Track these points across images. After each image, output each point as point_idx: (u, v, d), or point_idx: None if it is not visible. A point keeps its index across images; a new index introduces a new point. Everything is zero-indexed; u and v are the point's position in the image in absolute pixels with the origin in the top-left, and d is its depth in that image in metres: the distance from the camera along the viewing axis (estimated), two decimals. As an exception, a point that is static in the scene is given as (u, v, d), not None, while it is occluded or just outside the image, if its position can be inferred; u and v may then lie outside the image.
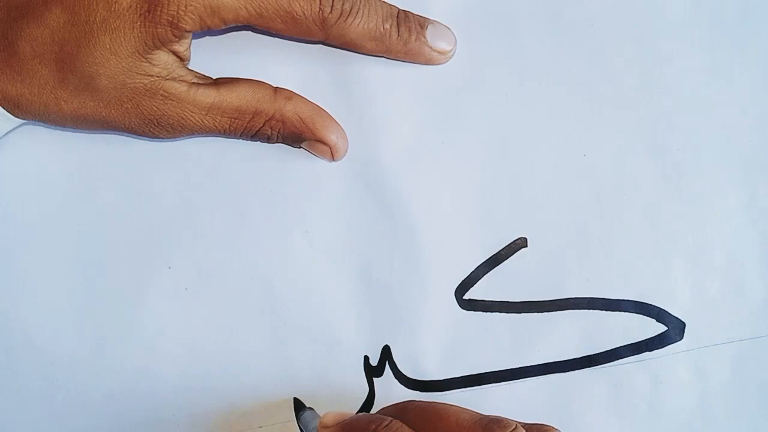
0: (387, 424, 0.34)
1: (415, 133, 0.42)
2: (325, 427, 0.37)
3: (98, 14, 0.37)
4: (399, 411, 0.36)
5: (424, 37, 0.40)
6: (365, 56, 0.41)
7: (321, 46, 0.42)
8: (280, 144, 0.42)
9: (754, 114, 0.41)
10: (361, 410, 0.43)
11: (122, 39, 0.37)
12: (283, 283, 0.43)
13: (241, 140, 0.42)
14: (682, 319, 0.42)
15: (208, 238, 0.43)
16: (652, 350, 0.42)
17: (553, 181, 0.42)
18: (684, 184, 0.41)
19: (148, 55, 0.38)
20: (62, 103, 0.38)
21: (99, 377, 0.43)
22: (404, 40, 0.39)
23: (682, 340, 0.42)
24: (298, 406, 0.43)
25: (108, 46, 0.37)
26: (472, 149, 0.42)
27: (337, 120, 0.42)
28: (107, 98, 0.38)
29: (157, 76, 0.38)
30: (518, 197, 0.42)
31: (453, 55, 0.41)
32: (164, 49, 0.38)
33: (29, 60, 0.37)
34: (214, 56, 0.42)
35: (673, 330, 0.42)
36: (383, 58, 0.41)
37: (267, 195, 0.43)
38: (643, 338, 0.42)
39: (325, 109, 0.41)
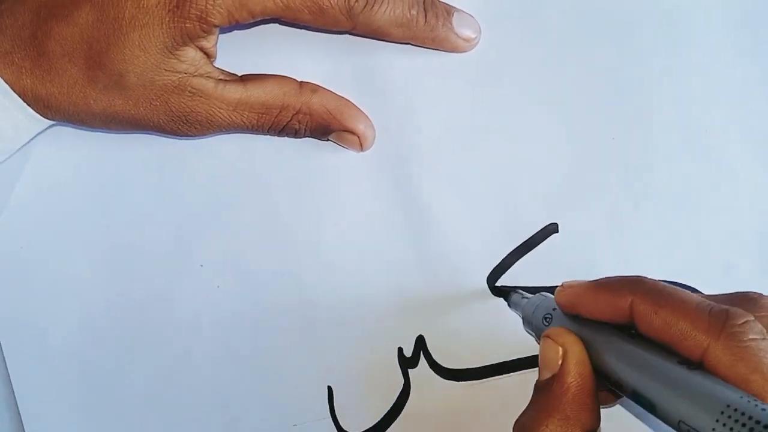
0: (649, 279, 0.32)
1: (441, 121, 0.42)
2: (568, 287, 0.34)
3: (127, 11, 0.37)
4: (629, 284, 0.33)
5: (451, 24, 0.40)
6: (388, 48, 0.41)
7: (343, 39, 0.42)
8: (307, 138, 0.42)
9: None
10: (396, 403, 0.43)
11: (151, 35, 0.37)
12: (315, 277, 0.43)
13: (268, 136, 0.42)
14: (716, 299, 0.42)
15: (238, 235, 0.43)
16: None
17: (583, 165, 0.42)
18: (714, 165, 0.41)
19: (176, 52, 0.38)
20: (91, 101, 0.38)
21: (132, 377, 0.43)
22: (431, 26, 0.40)
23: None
24: (503, 291, 0.41)
25: (137, 43, 0.37)
26: (500, 136, 0.42)
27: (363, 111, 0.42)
28: (136, 96, 0.38)
29: (185, 73, 0.38)
30: (548, 183, 0.42)
31: (477, 43, 0.41)
32: (192, 45, 0.38)
33: (59, 59, 0.37)
34: (238, 54, 0.42)
35: None
36: (406, 49, 0.41)
37: (295, 189, 0.43)
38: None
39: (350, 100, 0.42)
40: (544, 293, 0.39)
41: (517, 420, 0.33)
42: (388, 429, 0.43)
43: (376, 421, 0.43)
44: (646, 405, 0.30)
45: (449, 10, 0.40)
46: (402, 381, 0.43)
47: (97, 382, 0.43)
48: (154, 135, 0.42)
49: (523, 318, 0.39)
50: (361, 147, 0.42)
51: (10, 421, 0.43)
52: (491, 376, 0.42)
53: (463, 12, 0.41)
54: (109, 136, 0.43)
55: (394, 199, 0.42)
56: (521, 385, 0.42)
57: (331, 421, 0.43)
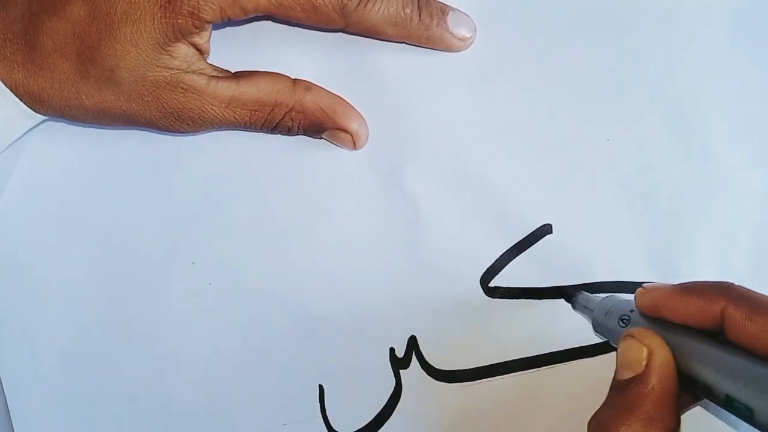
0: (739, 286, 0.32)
1: (435, 120, 0.42)
2: (651, 291, 0.35)
3: (119, 7, 0.37)
4: (720, 290, 0.33)
5: (446, 23, 0.40)
6: (382, 46, 0.41)
7: (338, 37, 0.41)
8: (300, 136, 0.42)
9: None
10: (388, 404, 0.42)
11: (143, 31, 0.37)
12: (307, 275, 0.43)
13: (261, 134, 0.42)
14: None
15: (231, 232, 0.43)
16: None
17: (577, 166, 0.41)
18: (708, 166, 0.41)
19: (168, 48, 0.38)
20: (83, 97, 0.38)
21: (122, 374, 0.43)
22: (426, 25, 0.39)
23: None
24: (566, 292, 0.41)
25: (129, 38, 0.37)
26: (493, 136, 0.42)
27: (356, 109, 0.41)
28: (128, 92, 0.38)
29: (177, 69, 0.38)
30: (542, 183, 0.42)
31: (472, 42, 0.41)
32: (184, 41, 0.38)
33: (50, 54, 0.37)
34: (231, 50, 0.41)
35: None
36: (400, 47, 0.41)
37: (289, 187, 0.43)
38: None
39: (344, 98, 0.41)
40: (613, 295, 0.39)
41: (593, 417, 0.33)
42: (380, 430, 0.43)
43: (367, 421, 0.43)
44: (741, 411, 0.30)
45: (444, 9, 0.40)
46: (394, 382, 0.42)
47: (88, 379, 0.43)
48: (147, 131, 0.42)
49: (593, 319, 0.39)
50: (355, 146, 0.41)
51: (0, 420, 0.43)
52: (484, 377, 0.42)
53: (458, 11, 0.40)
54: (102, 132, 0.43)
55: (388, 198, 0.42)
56: (514, 387, 0.42)
57: (322, 421, 0.43)
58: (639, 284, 0.40)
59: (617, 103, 0.41)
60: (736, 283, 0.33)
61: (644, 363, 0.32)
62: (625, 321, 0.36)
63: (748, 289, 0.32)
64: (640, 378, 0.32)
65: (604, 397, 0.41)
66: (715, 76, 0.41)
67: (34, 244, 0.43)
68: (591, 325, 0.39)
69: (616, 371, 0.33)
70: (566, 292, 0.41)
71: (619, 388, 0.33)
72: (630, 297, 0.36)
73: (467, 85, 0.42)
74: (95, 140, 0.43)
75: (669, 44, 0.41)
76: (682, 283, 0.34)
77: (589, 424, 0.33)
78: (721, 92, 0.41)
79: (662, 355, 0.32)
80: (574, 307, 0.41)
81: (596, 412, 0.33)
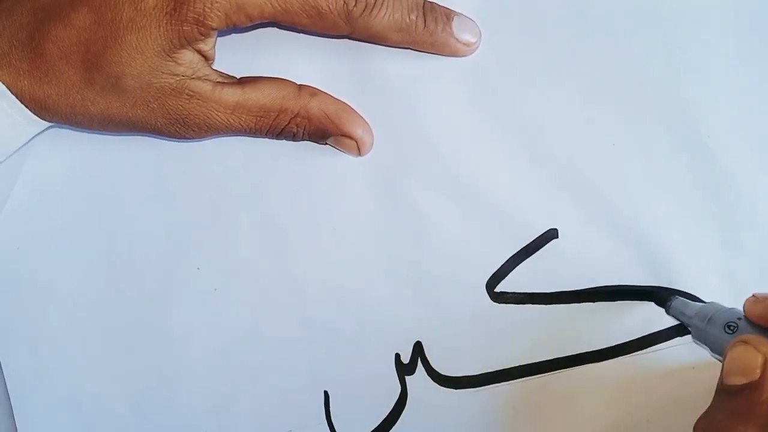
0: None
1: (441, 126, 0.42)
2: (762, 300, 0.35)
3: (124, 13, 0.37)
4: None
5: (451, 28, 0.40)
6: (387, 52, 0.41)
7: (342, 43, 0.41)
8: (305, 142, 0.42)
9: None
10: (393, 410, 0.42)
11: (148, 38, 0.37)
12: (312, 282, 0.42)
13: (266, 139, 0.42)
14: (715, 305, 0.41)
15: (236, 238, 0.43)
16: (684, 336, 0.41)
17: (583, 171, 0.41)
18: (714, 171, 0.41)
19: (173, 54, 0.38)
20: (89, 104, 0.38)
21: (126, 380, 0.43)
22: (431, 30, 0.39)
23: (715, 326, 0.41)
24: (662, 297, 0.41)
25: (134, 46, 0.37)
26: (499, 141, 0.42)
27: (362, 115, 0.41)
28: (133, 98, 0.38)
29: (183, 76, 0.38)
30: (548, 188, 0.41)
31: (477, 47, 0.41)
32: (190, 48, 0.38)
33: (56, 61, 0.37)
34: (236, 56, 0.41)
35: None
36: (406, 53, 0.41)
37: (293, 193, 0.42)
38: (675, 324, 0.41)
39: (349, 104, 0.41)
40: (713, 302, 0.39)
41: (702, 419, 0.33)
42: (385, 436, 0.43)
43: (373, 428, 0.43)
44: None
45: (449, 15, 0.40)
46: (399, 388, 0.42)
47: (93, 384, 0.43)
48: (152, 137, 0.42)
49: (694, 326, 0.38)
50: (359, 152, 0.41)
51: (4, 422, 0.43)
52: (490, 383, 0.42)
53: (463, 16, 0.40)
54: (107, 138, 0.43)
55: (393, 204, 0.42)
56: (520, 394, 0.42)
57: (327, 427, 0.42)
58: (644, 289, 0.41)
59: (623, 108, 0.41)
60: None
61: (759, 371, 0.32)
62: (732, 328, 0.36)
63: None
64: (755, 385, 0.32)
65: (611, 402, 0.41)
66: (720, 81, 0.41)
67: (39, 249, 0.43)
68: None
69: (724, 376, 0.33)
70: (660, 296, 0.41)
71: (730, 393, 0.33)
72: (731, 306, 0.37)
73: (472, 90, 0.42)
74: (100, 146, 0.43)
75: (674, 48, 0.41)
76: None
77: (697, 425, 0.33)
78: (727, 96, 0.41)
79: None
80: (668, 312, 0.40)
81: (705, 414, 0.33)
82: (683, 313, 0.39)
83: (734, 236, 0.41)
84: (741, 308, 0.36)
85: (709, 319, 0.37)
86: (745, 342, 0.33)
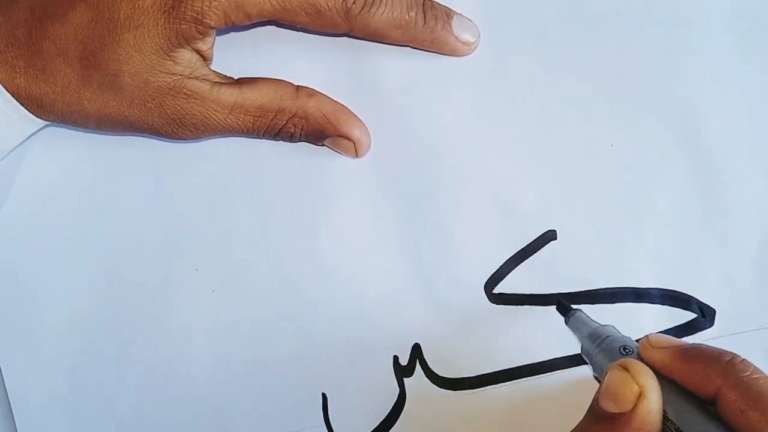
0: (741, 361, 0.31)
1: (439, 127, 0.42)
2: (656, 347, 0.33)
3: (122, 11, 0.36)
4: (720, 367, 0.31)
5: (451, 27, 0.40)
6: (386, 52, 0.41)
7: (340, 44, 0.41)
8: (302, 143, 0.42)
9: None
10: (391, 412, 0.42)
11: (146, 36, 0.37)
12: (310, 283, 0.42)
13: (264, 140, 0.42)
14: (713, 306, 0.41)
15: (233, 239, 0.42)
16: (682, 338, 0.41)
17: (581, 172, 0.41)
18: (712, 171, 0.41)
19: (171, 53, 0.37)
20: (85, 102, 0.38)
21: (124, 382, 0.43)
22: (431, 28, 0.39)
23: (713, 327, 0.41)
24: (563, 307, 0.40)
25: (132, 44, 0.37)
26: (497, 142, 0.42)
27: (359, 116, 0.41)
28: (130, 97, 0.38)
29: (180, 75, 0.38)
30: (546, 189, 0.41)
31: (476, 47, 0.41)
32: (188, 47, 0.38)
33: (53, 59, 0.37)
34: (234, 57, 0.41)
35: (703, 317, 0.41)
36: (404, 54, 0.41)
37: (291, 195, 0.42)
38: (673, 326, 0.41)
39: (346, 106, 0.41)
40: (612, 327, 0.37)
41: None
42: (383, 438, 0.42)
43: (371, 430, 0.42)
44: None
45: (449, 13, 0.40)
46: (397, 390, 0.42)
47: (91, 386, 0.43)
48: (149, 137, 0.41)
49: (585, 340, 0.38)
50: (357, 153, 0.41)
51: (3, 423, 0.43)
52: (488, 385, 0.42)
53: (463, 16, 0.40)
54: (105, 138, 0.42)
55: (391, 205, 0.42)
56: (518, 395, 0.41)
57: (325, 429, 0.42)
58: (642, 290, 0.41)
59: (621, 109, 0.41)
60: (740, 357, 0.31)
61: (631, 404, 0.31)
62: (627, 351, 0.35)
63: (750, 369, 0.31)
64: (625, 417, 0.31)
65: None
66: (718, 83, 0.41)
67: (37, 249, 0.43)
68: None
69: (599, 396, 0.32)
70: (562, 305, 0.40)
71: (598, 416, 0.32)
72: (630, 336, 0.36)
73: (470, 91, 0.42)
74: (97, 146, 0.42)
75: (672, 50, 0.41)
76: (684, 346, 0.33)
77: None
78: (725, 98, 0.41)
79: (653, 401, 0.31)
80: (567, 322, 0.40)
81: (574, 430, 0.32)
82: (579, 329, 0.39)
83: (733, 236, 0.41)
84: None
85: (605, 338, 0.36)
86: (625, 369, 0.32)
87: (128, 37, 0.37)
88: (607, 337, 0.37)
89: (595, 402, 0.32)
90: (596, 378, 0.39)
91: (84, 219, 0.43)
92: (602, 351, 0.36)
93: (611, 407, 0.31)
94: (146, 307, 0.42)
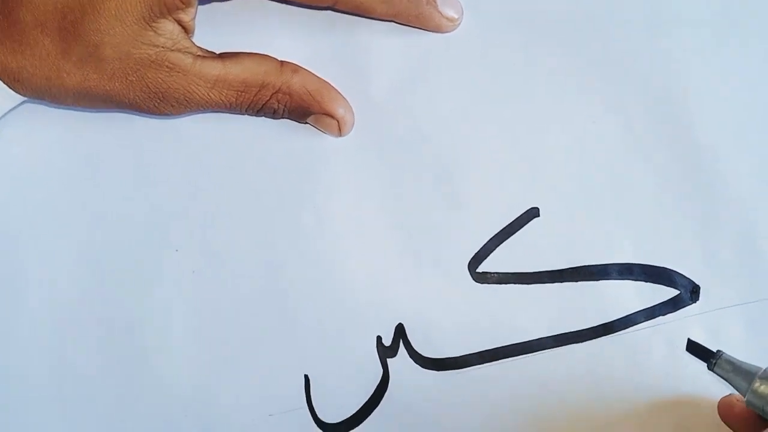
0: None
1: (422, 105, 0.42)
2: None
3: (103, -20, 0.36)
4: None
5: (435, 2, 0.40)
6: (370, 29, 0.41)
7: (325, 19, 0.41)
8: (285, 121, 0.41)
9: (763, 78, 0.42)
10: (375, 393, 0.42)
11: (128, 5, 0.36)
12: (292, 263, 0.42)
13: (246, 119, 0.41)
14: (696, 282, 0.41)
15: (214, 219, 0.42)
16: (666, 314, 0.41)
17: (563, 149, 0.41)
18: (693, 148, 0.41)
19: (153, 24, 0.37)
20: (65, 75, 0.37)
21: (106, 363, 0.42)
22: (415, 2, 0.39)
23: (696, 303, 0.41)
24: (706, 354, 0.39)
25: (113, 13, 0.36)
26: (480, 120, 0.42)
27: (343, 94, 0.41)
28: (111, 70, 0.37)
29: (162, 47, 0.37)
30: (528, 167, 0.41)
31: (459, 24, 0.41)
32: (170, 17, 0.37)
33: (30, 29, 0.36)
34: (216, 32, 0.41)
35: (686, 293, 0.41)
36: (389, 30, 0.41)
37: (273, 173, 0.42)
38: (657, 303, 0.41)
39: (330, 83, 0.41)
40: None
41: None
42: (366, 420, 0.42)
43: (354, 411, 0.42)
44: None
45: (434, -12, 0.40)
46: (381, 370, 0.42)
47: (72, 367, 0.42)
48: (130, 114, 0.41)
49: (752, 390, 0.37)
50: (340, 132, 0.41)
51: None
52: (472, 365, 0.41)
53: (446, -9, 0.40)
54: (84, 115, 0.42)
55: (374, 185, 0.42)
56: (503, 375, 0.41)
57: (308, 411, 0.42)
58: (625, 267, 0.41)
59: (602, 86, 0.41)
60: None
61: None
62: None
63: None
64: None
65: (593, 383, 0.41)
66: (700, 61, 0.41)
67: (11, 231, 0.42)
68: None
69: None
70: (701, 350, 0.39)
71: None
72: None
73: (453, 69, 0.42)
74: (76, 123, 0.42)
75: (654, 29, 0.41)
76: None
77: None
78: (707, 75, 0.41)
79: None
80: (711, 368, 0.38)
81: None
82: (732, 373, 0.37)
83: (713, 213, 0.41)
84: None
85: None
86: None
87: (109, 6, 0.36)
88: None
89: None
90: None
91: (61, 200, 0.42)
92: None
93: None
94: (126, 288, 0.42)
